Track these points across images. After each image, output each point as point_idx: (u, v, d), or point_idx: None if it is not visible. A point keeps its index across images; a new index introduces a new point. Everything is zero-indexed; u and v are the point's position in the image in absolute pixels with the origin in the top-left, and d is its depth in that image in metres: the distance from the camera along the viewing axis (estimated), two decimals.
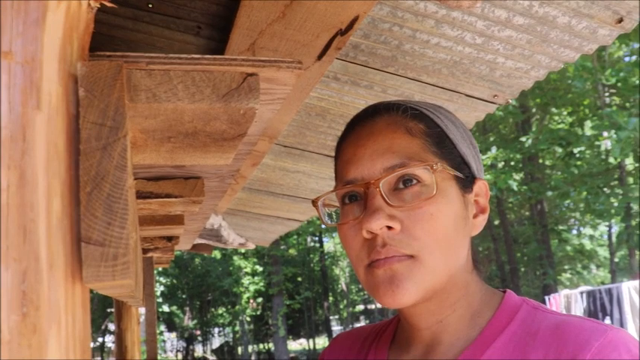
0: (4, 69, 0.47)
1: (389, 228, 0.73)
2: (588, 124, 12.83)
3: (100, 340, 20.11)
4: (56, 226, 0.46)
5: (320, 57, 1.19)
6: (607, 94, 12.47)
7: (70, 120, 0.50)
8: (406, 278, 0.72)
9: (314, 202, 0.85)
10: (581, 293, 10.39)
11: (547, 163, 16.06)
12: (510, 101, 1.48)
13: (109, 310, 17.26)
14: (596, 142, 12.15)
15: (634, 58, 11.01)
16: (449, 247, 0.74)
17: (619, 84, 11.02)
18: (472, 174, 0.80)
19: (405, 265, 0.73)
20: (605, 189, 12.16)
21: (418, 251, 0.73)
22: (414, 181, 0.75)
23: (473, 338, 0.77)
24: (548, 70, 1.34)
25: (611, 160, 12.35)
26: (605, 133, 11.17)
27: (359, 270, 0.77)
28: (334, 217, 0.85)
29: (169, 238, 1.94)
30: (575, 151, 13.08)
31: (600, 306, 9.85)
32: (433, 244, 0.73)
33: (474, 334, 0.77)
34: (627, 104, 12.01)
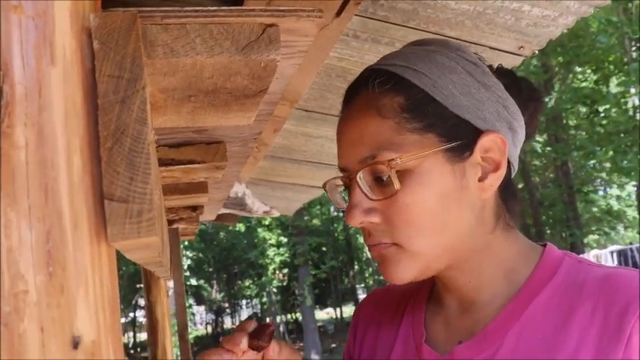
0: (14, 24, 0.45)
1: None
2: (614, 80, 12.51)
3: (132, 315, 20.59)
4: (77, 184, 0.45)
5: (339, 13, 1.15)
6: (634, 48, 12.11)
7: (86, 74, 0.48)
8: (393, 263, 0.74)
9: (324, 187, 0.85)
10: (612, 252, 10.28)
11: (571, 123, 15.77)
12: (536, 52, 1.43)
13: (138, 285, 17.62)
14: (623, 99, 11.85)
15: None
16: (435, 228, 0.72)
17: None
18: (475, 130, 0.72)
19: (391, 252, 0.74)
20: (633, 147, 11.91)
21: (399, 240, 0.73)
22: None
23: (512, 295, 0.75)
24: (577, 17, 1.28)
25: (639, 116, 12.06)
26: (633, 89, 10.89)
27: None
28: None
29: (194, 208, 1.94)
30: (601, 109, 12.79)
31: (632, 265, 9.75)
32: (413, 232, 0.72)
33: (513, 290, 0.75)
34: None
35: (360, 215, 0.73)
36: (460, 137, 0.72)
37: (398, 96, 0.72)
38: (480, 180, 0.73)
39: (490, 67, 0.79)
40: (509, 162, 0.77)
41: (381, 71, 0.74)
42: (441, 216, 0.71)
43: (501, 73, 0.79)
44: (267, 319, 20.93)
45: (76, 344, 0.42)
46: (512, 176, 0.81)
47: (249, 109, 0.79)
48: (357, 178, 0.73)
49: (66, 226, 0.43)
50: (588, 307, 0.68)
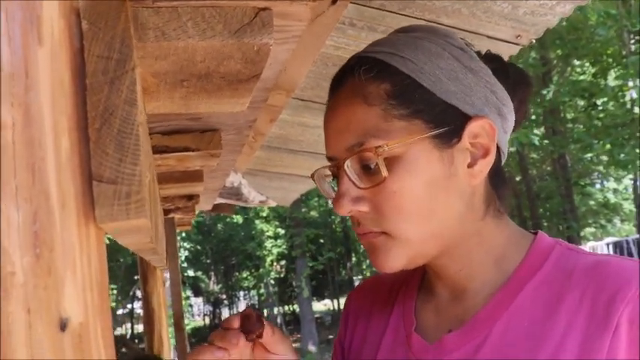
0: (1, 1, 0.44)
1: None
2: (612, 74, 12.49)
3: (129, 306, 20.61)
4: (65, 164, 0.44)
5: (334, 1, 1.14)
6: (632, 41, 12.08)
7: (74, 54, 0.48)
8: (382, 252, 0.74)
9: (312, 177, 0.84)
10: (607, 244, 10.31)
11: (569, 116, 15.76)
12: (533, 40, 1.42)
13: (136, 277, 17.63)
14: (621, 93, 11.83)
15: None
16: (422, 215, 0.71)
17: None
18: (463, 115, 0.72)
19: (380, 240, 0.74)
20: (630, 140, 11.91)
21: (388, 227, 0.72)
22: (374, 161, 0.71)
23: (501, 283, 0.74)
24: (574, 5, 1.27)
25: (637, 110, 12.05)
26: (631, 83, 10.87)
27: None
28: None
29: (190, 197, 1.94)
30: (599, 102, 12.78)
31: (628, 257, 9.79)
32: (401, 219, 0.71)
33: (502, 278, 0.75)
34: None
35: (349, 204, 0.73)
36: (448, 123, 0.71)
37: (384, 83, 0.71)
38: (470, 166, 0.73)
39: (478, 52, 0.78)
40: (498, 148, 0.76)
41: (367, 59, 0.73)
42: (429, 203, 0.71)
43: (489, 58, 0.78)
44: (265, 311, 21.00)
45: (63, 326, 0.42)
46: (502, 163, 0.80)
47: (242, 95, 0.78)
48: (345, 167, 0.72)
49: (53, 207, 0.43)
50: (577, 295, 0.68)
